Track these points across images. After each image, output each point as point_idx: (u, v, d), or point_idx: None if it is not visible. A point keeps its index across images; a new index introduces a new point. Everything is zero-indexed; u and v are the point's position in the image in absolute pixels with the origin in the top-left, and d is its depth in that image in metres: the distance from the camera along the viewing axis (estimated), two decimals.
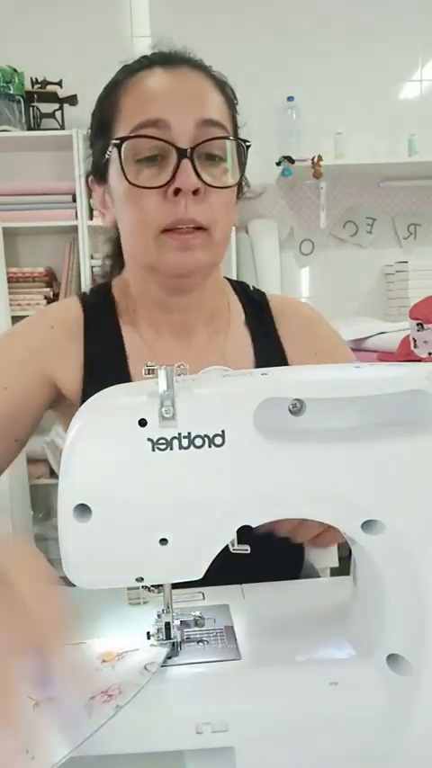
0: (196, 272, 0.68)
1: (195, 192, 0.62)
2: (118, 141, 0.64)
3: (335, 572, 0.95)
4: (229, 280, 0.84)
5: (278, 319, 0.80)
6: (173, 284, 0.70)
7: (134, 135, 0.63)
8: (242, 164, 0.68)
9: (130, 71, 0.68)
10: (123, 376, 0.72)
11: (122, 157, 0.64)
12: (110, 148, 0.66)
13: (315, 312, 0.85)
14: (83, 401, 0.61)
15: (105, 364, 0.72)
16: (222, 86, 0.70)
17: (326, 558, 0.90)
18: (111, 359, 0.73)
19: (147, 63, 0.68)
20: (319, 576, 0.88)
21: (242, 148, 0.68)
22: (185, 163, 0.62)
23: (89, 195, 0.69)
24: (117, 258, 0.82)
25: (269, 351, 0.77)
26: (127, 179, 0.63)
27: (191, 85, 0.66)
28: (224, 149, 0.66)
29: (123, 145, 0.64)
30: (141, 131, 0.63)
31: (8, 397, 0.70)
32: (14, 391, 0.71)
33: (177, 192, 0.62)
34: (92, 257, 2.27)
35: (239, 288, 0.83)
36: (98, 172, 0.72)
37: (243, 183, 0.73)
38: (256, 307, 0.81)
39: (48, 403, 0.75)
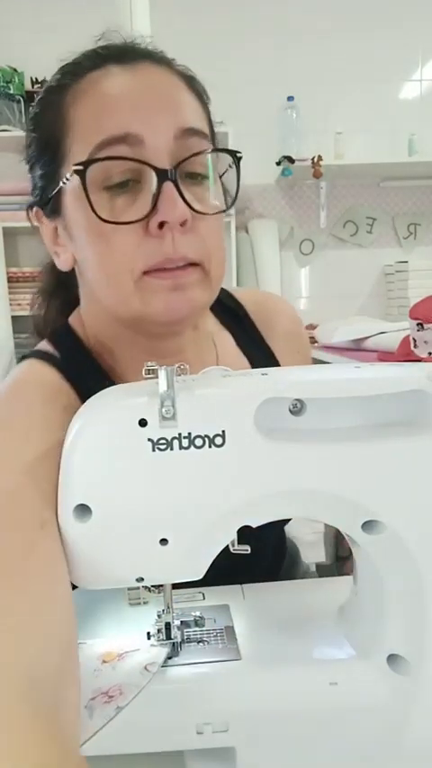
0: (192, 315, 0.54)
1: (183, 223, 0.50)
2: (80, 167, 0.49)
3: (323, 570, 0.95)
4: None
5: (263, 327, 0.72)
6: (162, 332, 0.56)
7: (102, 157, 0.49)
8: (238, 178, 0.56)
9: (76, 73, 0.54)
10: None
11: (87, 186, 0.50)
12: (66, 176, 0.52)
13: (294, 310, 0.78)
14: None
15: None
16: (191, 82, 0.57)
17: (312, 553, 0.90)
18: None
19: (96, 61, 0.53)
20: (307, 568, 0.88)
21: (234, 159, 0.55)
22: (168, 187, 0.49)
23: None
24: (59, 294, 0.68)
25: (263, 362, 0.70)
26: (96, 214, 0.50)
27: (159, 86, 0.52)
28: (206, 164, 0.53)
29: (87, 170, 0.49)
30: (108, 151, 0.49)
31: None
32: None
33: (162, 224, 0.50)
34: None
35: (215, 305, 0.68)
36: (46, 203, 0.57)
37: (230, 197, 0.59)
38: (236, 319, 0.71)
39: None
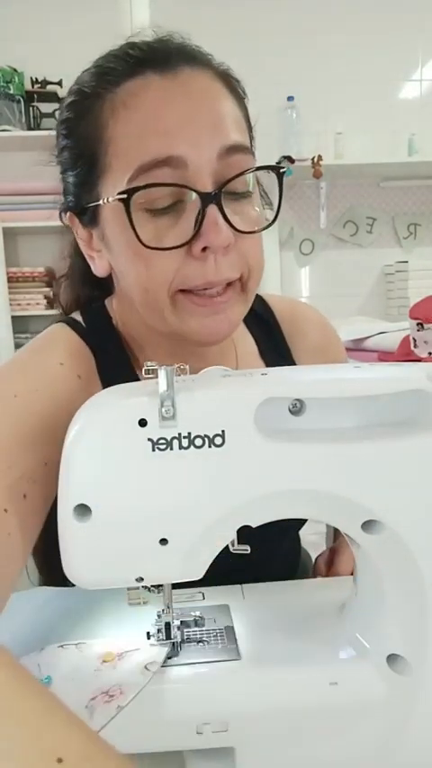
0: (230, 333, 0.54)
1: (226, 246, 0.50)
2: (125, 195, 0.49)
3: None
4: None
5: (290, 337, 0.70)
6: (198, 346, 0.56)
7: (145, 185, 0.48)
8: (280, 192, 0.54)
9: (109, 79, 0.52)
10: None
11: (131, 212, 0.49)
12: (106, 197, 0.52)
13: (325, 321, 0.76)
14: None
15: None
16: (229, 80, 0.55)
17: (314, 552, 0.90)
18: None
19: (133, 67, 0.51)
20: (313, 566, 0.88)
21: (277, 175, 0.54)
22: (212, 211, 0.48)
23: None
24: (90, 283, 0.68)
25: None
26: (139, 240, 0.49)
27: (201, 98, 0.50)
28: (249, 181, 0.52)
29: (133, 196, 0.49)
30: (150, 174, 0.48)
31: (30, 503, 0.47)
32: (39, 489, 0.48)
33: (205, 248, 0.49)
34: None
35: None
36: (81, 211, 0.56)
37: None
38: (263, 326, 0.70)
39: None
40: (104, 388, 0.53)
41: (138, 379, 0.56)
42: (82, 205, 0.55)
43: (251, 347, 0.68)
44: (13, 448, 0.47)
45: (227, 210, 0.49)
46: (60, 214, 0.61)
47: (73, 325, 0.61)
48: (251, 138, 0.57)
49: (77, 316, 0.64)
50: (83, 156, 0.54)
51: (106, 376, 0.59)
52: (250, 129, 0.57)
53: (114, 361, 0.60)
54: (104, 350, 0.60)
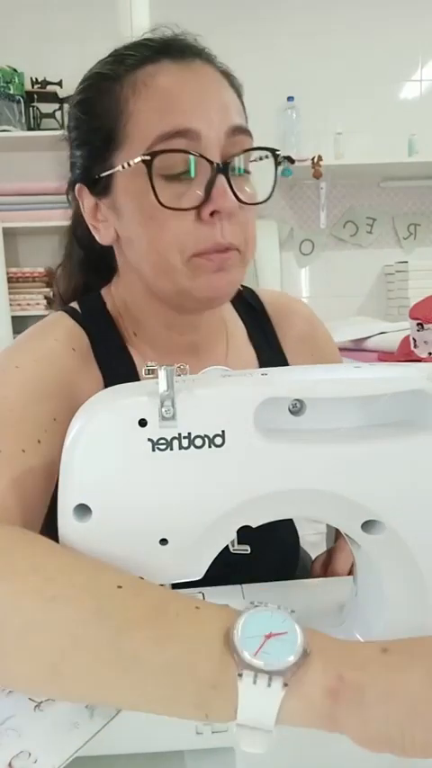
0: (230, 292, 0.61)
1: (231, 213, 0.56)
2: (148, 158, 0.54)
3: None
4: None
5: (278, 325, 0.76)
6: (199, 307, 0.62)
7: (168, 149, 0.54)
8: (276, 172, 0.62)
9: (132, 64, 0.57)
10: None
11: (143, 179, 0.55)
12: (125, 162, 0.56)
13: (312, 313, 0.81)
14: None
15: None
16: (231, 80, 0.62)
17: (314, 552, 0.90)
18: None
19: (150, 53, 0.58)
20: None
21: (273, 156, 0.60)
22: (221, 180, 0.54)
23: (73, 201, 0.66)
24: (89, 275, 0.73)
25: (273, 363, 0.72)
26: (158, 200, 0.54)
27: (211, 85, 0.57)
28: (249, 161, 0.59)
29: (154, 160, 0.54)
30: (169, 143, 0.54)
31: (44, 448, 0.53)
32: (50, 438, 0.53)
33: (213, 213, 0.55)
34: None
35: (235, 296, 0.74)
36: (95, 182, 0.61)
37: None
38: (253, 313, 0.75)
39: None
40: (99, 363, 0.64)
41: (130, 356, 0.66)
42: (93, 177, 0.60)
43: (240, 329, 0.74)
44: (22, 406, 0.54)
45: (233, 183, 0.55)
46: (68, 189, 0.66)
47: (70, 312, 0.67)
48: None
49: (74, 305, 0.69)
50: (99, 131, 0.59)
51: (100, 353, 0.64)
52: (246, 122, 0.62)
53: (107, 339, 0.66)
54: (98, 330, 0.66)
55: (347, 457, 0.41)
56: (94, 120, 0.60)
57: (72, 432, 0.40)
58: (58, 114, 2.32)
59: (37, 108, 2.33)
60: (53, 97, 2.32)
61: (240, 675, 0.32)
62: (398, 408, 0.43)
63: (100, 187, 0.61)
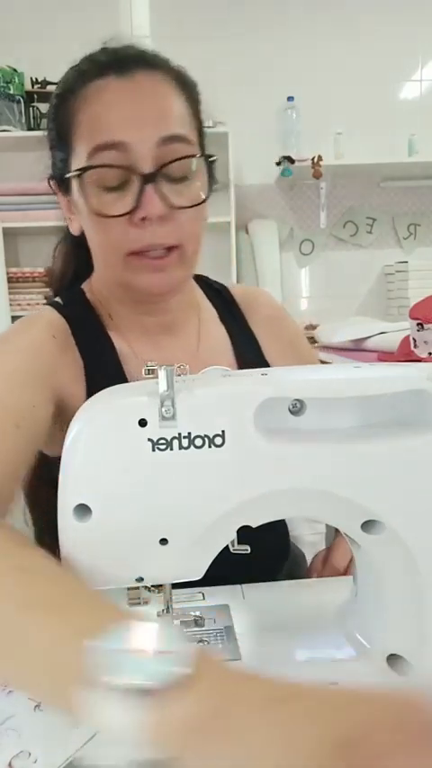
0: (171, 291, 0.66)
1: (161, 217, 0.60)
2: (77, 173, 0.61)
3: None
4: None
5: (246, 310, 0.82)
6: (148, 300, 0.68)
7: (94, 165, 0.60)
8: (211, 177, 0.66)
9: (82, 78, 0.63)
10: (122, 382, 0.64)
11: (83, 187, 0.61)
12: (70, 171, 0.63)
13: (274, 300, 0.87)
14: None
15: (103, 373, 0.68)
16: (182, 81, 0.65)
17: (311, 554, 0.90)
18: (108, 368, 0.69)
19: (99, 69, 0.62)
20: (306, 564, 0.88)
21: (206, 162, 0.64)
22: (149, 188, 0.59)
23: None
24: (78, 262, 0.78)
25: (246, 343, 0.78)
26: (91, 209, 0.61)
27: (149, 96, 0.61)
28: (187, 165, 0.62)
29: (83, 175, 0.61)
30: (100, 156, 0.59)
31: (23, 433, 0.57)
32: (28, 424, 0.57)
33: (144, 218, 0.60)
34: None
35: (202, 282, 0.83)
36: (60, 182, 0.67)
37: (214, 177, 0.69)
38: (222, 300, 0.81)
39: (52, 421, 0.63)
40: (79, 348, 0.68)
41: (108, 338, 0.71)
42: (61, 176, 0.67)
43: (212, 311, 0.80)
44: (1, 394, 0.57)
45: (166, 188, 0.60)
46: (48, 181, 0.71)
47: (52, 304, 0.73)
48: (201, 133, 0.67)
49: (57, 299, 0.75)
50: (61, 137, 0.65)
51: (80, 337, 0.69)
52: (200, 126, 0.67)
53: (86, 325, 0.71)
54: (77, 317, 0.71)
55: (347, 457, 0.41)
56: (58, 128, 0.66)
57: (72, 432, 0.40)
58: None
59: (37, 108, 2.33)
60: None
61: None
62: (398, 408, 0.43)
63: (65, 186, 0.67)
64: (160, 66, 0.63)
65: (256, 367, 0.51)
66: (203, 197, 0.64)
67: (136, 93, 0.61)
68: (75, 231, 0.70)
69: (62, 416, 0.63)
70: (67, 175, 0.63)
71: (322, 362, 1.83)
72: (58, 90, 0.66)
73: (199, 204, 0.63)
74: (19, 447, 0.56)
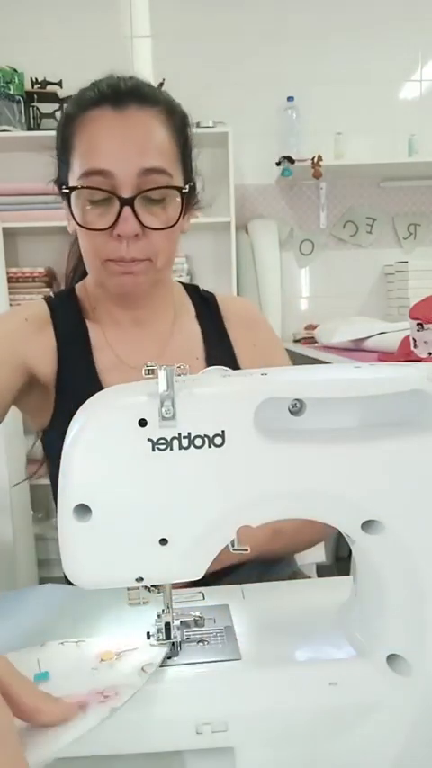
0: (139, 292, 0.77)
1: (135, 235, 0.71)
2: (67, 191, 0.73)
3: (323, 570, 0.95)
4: (183, 284, 0.93)
5: (224, 312, 0.90)
6: (119, 299, 0.80)
7: (82, 186, 0.71)
8: (189, 202, 0.77)
9: (82, 105, 0.72)
10: (90, 365, 0.81)
11: (73, 202, 0.73)
12: (67, 187, 0.74)
13: (256, 310, 0.96)
14: (57, 388, 0.80)
15: (74, 354, 0.81)
16: (171, 115, 0.74)
17: (312, 553, 0.90)
18: (78, 350, 0.81)
19: (97, 98, 0.71)
20: (301, 571, 0.88)
21: (180, 194, 0.73)
22: (127, 210, 0.69)
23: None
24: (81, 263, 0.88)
25: (218, 343, 0.86)
26: (77, 222, 0.73)
27: (137, 130, 0.71)
28: (163, 192, 0.72)
29: (73, 193, 0.72)
30: (89, 179, 0.70)
31: None
32: None
33: (119, 235, 0.70)
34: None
35: (191, 289, 0.93)
36: (62, 189, 0.77)
37: (194, 195, 0.80)
38: (204, 303, 0.91)
39: (18, 390, 0.78)
40: (55, 330, 0.81)
41: (85, 326, 0.84)
42: (61, 185, 0.77)
43: (190, 310, 0.89)
44: None
45: (142, 211, 0.71)
46: (54, 184, 0.81)
47: (45, 298, 0.86)
48: (187, 161, 0.78)
49: (52, 294, 0.88)
50: (63, 152, 0.76)
51: (58, 322, 0.82)
52: (186, 156, 0.78)
53: (67, 313, 0.84)
54: (60, 306, 0.84)
55: (347, 457, 0.41)
56: (61, 143, 0.76)
57: (72, 432, 0.40)
58: (58, 114, 2.32)
59: (37, 108, 2.33)
60: (53, 97, 2.31)
61: None
62: (398, 408, 0.43)
63: (64, 193, 0.76)
64: (153, 101, 0.72)
65: (223, 364, 0.55)
66: (175, 220, 0.73)
67: (126, 126, 0.70)
68: (71, 231, 0.81)
69: (33, 385, 0.79)
70: (64, 190, 0.74)
71: (321, 362, 1.83)
72: (66, 110, 0.76)
73: (170, 227, 0.73)
74: None
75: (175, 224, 0.74)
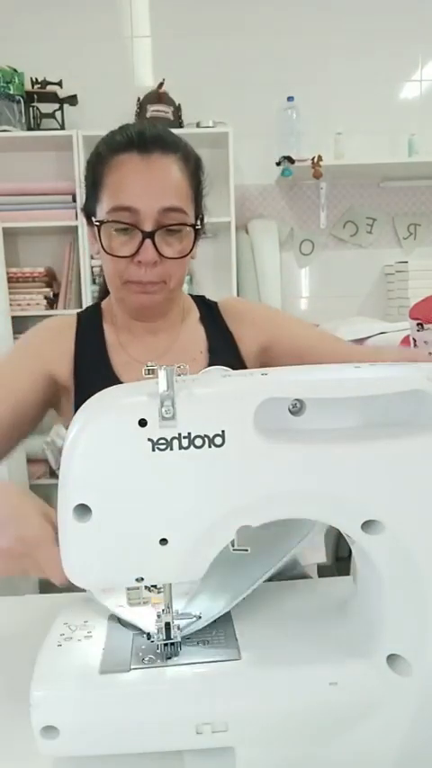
0: (155, 308, 0.88)
1: (154, 263, 0.82)
2: (98, 224, 0.83)
3: (323, 570, 0.95)
4: (191, 296, 1.03)
5: (224, 312, 0.99)
6: (137, 315, 0.90)
7: (110, 220, 0.82)
8: (198, 231, 0.87)
9: (112, 148, 0.84)
10: (106, 363, 0.91)
11: (101, 233, 0.83)
12: (96, 219, 0.84)
13: (243, 300, 1.09)
14: (75, 388, 0.89)
15: (90, 353, 0.91)
16: (187, 160, 0.86)
17: (312, 554, 0.90)
18: (95, 351, 0.92)
19: (127, 144, 0.82)
20: (304, 572, 0.88)
21: (194, 231, 0.85)
22: (148, 242, 0.81)
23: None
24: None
25: (220, 341, 0.95)
26: (105, 250, 0.83)
27: (159, 175, 0.82)
28: (180, 227, 0.83)
29: (102, 226, 0.83)
30: (116, 214, 0.81)
31: (12, 399, 0.85)
32: (17, 393, 0.85)
33: (140, 261, 0.82)
34: (92, 257, 2.27)
35: (197, 298, 1.03)
36: (88, 215, 0.88)
37: (203, 228, 0.91)
38: (207, 307, 1.01)
39: (48, 399, 0.90)
40: (76, 336, 0.93)
41: (103, 333, 0.94)
42: (89, 214, 0.89)
43: (195, 314, 0.99)
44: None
45: (160, 241, 0.82)
46: (82, 212, 0.92)
47: (79, 312, 1.00)
48: (198, 200, 0.89)
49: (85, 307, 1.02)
50: (93, 187, 0.87)
51: (81, 330, 0.94)
52: (198, 195, 0.89)
53: (90, 321, 0.96)
54: (86, 316, 0.97)
55: (347, 457, 0.41)
56: (92, 178, 0.87)
57: (72, 432, 0.40)
58: (58, 114, 2.31)
59: (37, 108, 2.32)
60: (53, 97, 2.31)
61: None
62: (398, 408, 0.43)
63: (92, 222, 0.87)
64: (173, 149, 0.84)
65: (225, 360, 0.81)
66: (188, 250, 0.85)
67: (150, 170, 0.82)
68: (94, 254, 0.91)
69: (52, 387, 0.89)
70: (95, 223, 0.84)
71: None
72: (97, 149, 0.87)
73: (183, 257, 0.84)
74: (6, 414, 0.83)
75: (188, 254, 0.86)
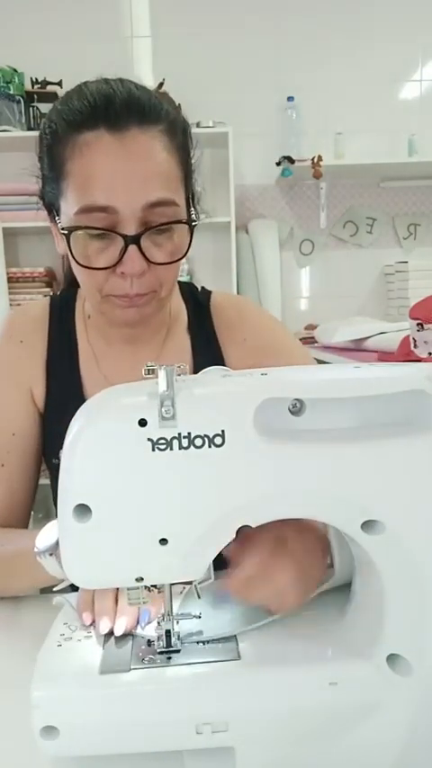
0: (142, 322, 0.71)
1: (142, 273, 0.64)
2: (66, 232, 0.64)
3: None
4: (180, 286, 0.86)
5: (215, 317, 0.84)
6: (120, 327, 0.74)
7: (81, 227, 0.63)
8: (190, 240, 0.68)
9: (73, 123, 0.62)
10: (76, 382, 0.79)
11: (70, 240, 0.64)
12: (59, 224, 0.67)
13: (250, 305, 0.89)
14: (46, 402, 0.79)
15: (62, 370, 0.79)
16: (174, 130, 0.65)
17: None
18: (66, 369, 0.79)
19: (92, 117, 0.61)
20: None
21: (189, 227, 0.67)
22: (132, 249, 0.62)
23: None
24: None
25: (206, 351, 0.82)
26: (76, 261, 0.65)
27: (139, 157, 0.62)
28: (170, 226, 0.65)
29: (71, 234, 0.64)
30: (88, 216, 0.62)
31: (19, 441, 0.78)
32: (23, 432, 0.78)
33: (123, 272, 0.64)
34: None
35: (188, 291, 0.86)
36: (49, 207, 0.71)
37: (194, 215, 0.71)
38: (198, 309, 0.85)
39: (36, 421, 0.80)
40: (48, 341, 0.80)
41: (75, 341, 0.81)
42: (50, 205, 0.70)
43: (183, 320, 0.84)
44: None
45: (148, 244, 0.64)
46: (41, 200, 0.74)
47: (52, 296, 0.86)
48: (189, 180, 0.70)
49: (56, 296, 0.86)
50: (51, 172, 0.67)
51: (52, 329, 0.81)
52: (189, 173, 0.70)
53: (63, 323, 0.82)
54: (58, 313, 0.82)
55: (347, 457, 0.41)
56: (49, 164, 0.67)
57: (72, 432, 0.40)
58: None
59: (37, 108, 2.33)
60: (53, 97, 2.32)
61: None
62: (398, 408, 0.43)
63: (53, 213, 0.70)
64: (154, 118, 0.63)
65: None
66: (182, 249, 0.67)
67: (128, 153, 0.61)
68: (60, 251, 0.72)
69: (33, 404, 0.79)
70: (62, 230, 0.65)
71: (321, 362, 1.83)
72: (52, 122, 0.65)
73: (179, 260, 0.67)
74: (12, 479, 0.77)
75: (182, 256, 0.68)
